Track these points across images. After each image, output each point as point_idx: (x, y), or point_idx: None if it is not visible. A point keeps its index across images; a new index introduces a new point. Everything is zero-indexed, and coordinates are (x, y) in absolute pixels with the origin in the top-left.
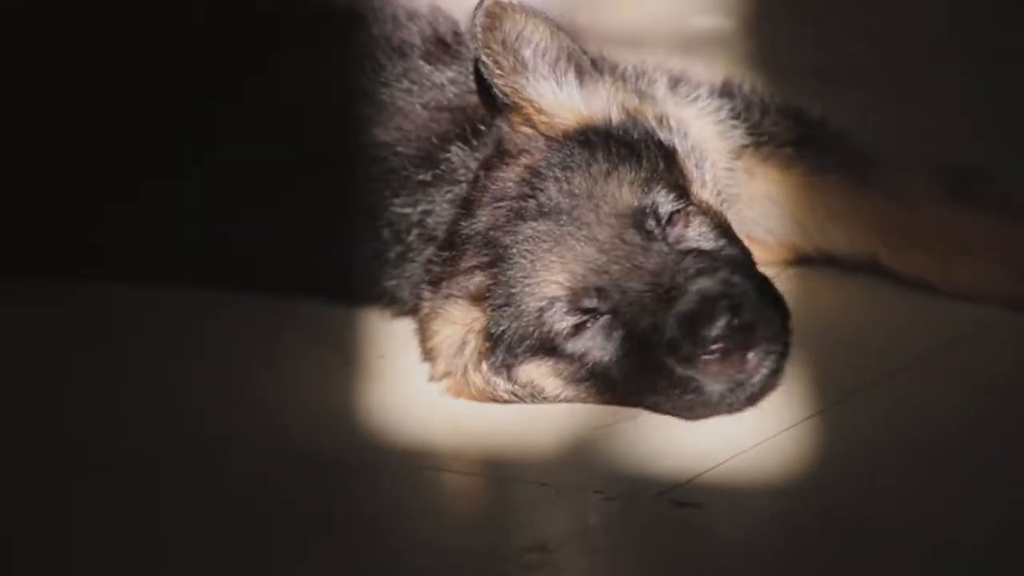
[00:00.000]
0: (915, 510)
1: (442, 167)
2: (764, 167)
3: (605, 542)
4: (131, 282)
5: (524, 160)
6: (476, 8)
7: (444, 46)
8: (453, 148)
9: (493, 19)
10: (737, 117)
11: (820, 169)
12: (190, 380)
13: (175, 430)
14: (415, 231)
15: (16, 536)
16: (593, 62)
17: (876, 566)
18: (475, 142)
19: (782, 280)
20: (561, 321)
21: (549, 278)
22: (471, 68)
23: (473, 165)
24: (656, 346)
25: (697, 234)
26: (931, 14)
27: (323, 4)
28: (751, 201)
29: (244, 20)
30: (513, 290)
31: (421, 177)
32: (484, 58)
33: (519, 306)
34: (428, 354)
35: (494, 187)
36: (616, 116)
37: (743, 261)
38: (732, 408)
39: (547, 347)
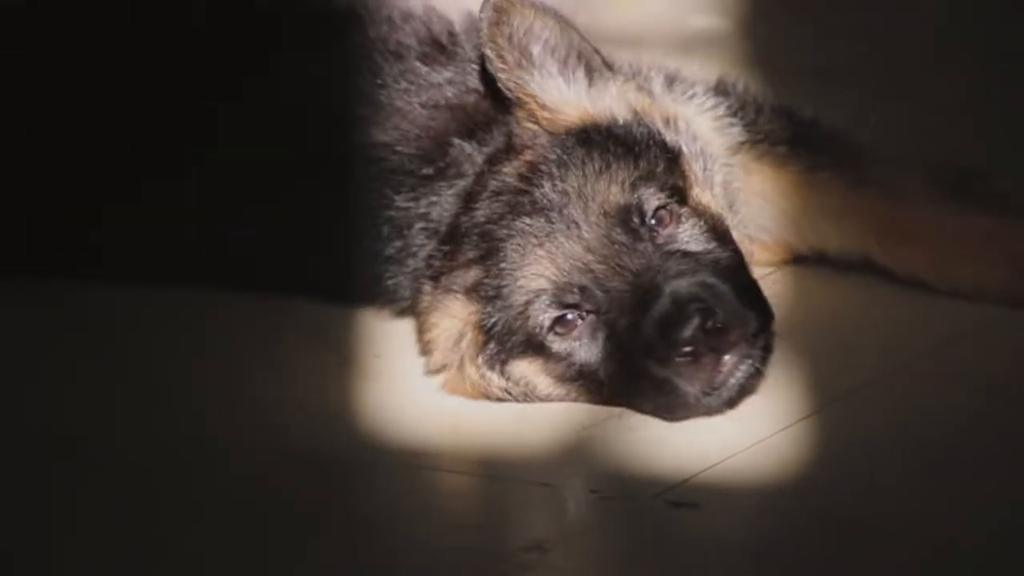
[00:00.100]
0: (914, 509)
1: (446, 161)
2: (759, 165)
3: (602, 542)
4: (131, 282)
5: (526, 156)
6: (484, 2)
7: (439, 47)
8: (457, 143)
9: (500, 14)
10: (734, 115)
11: (814, 167)
12: (190, 380)
13: (175, 430)
14: (418, 225)
15: (16, 536)
16: (605, 61)
17: (875, 566)
18: (482, 136)
19: (776, 281)
20: (543, 314)
21: (536, 273)
22: (471, 66)
23: (479, 159)
24: (634, 347)
25: (687, 236)
26: (931, 14)
27: (322, 4)
28: (746, 199)
29: (244, 20)
30: (503, 283)
31: (425, 171)
32: (488, 52)
33: (507, 299)
34: (426, 346)
35: (495, 181)
36: (621, 115)
37: (729, 264)
38: (709, 411)
39: (535, 343)
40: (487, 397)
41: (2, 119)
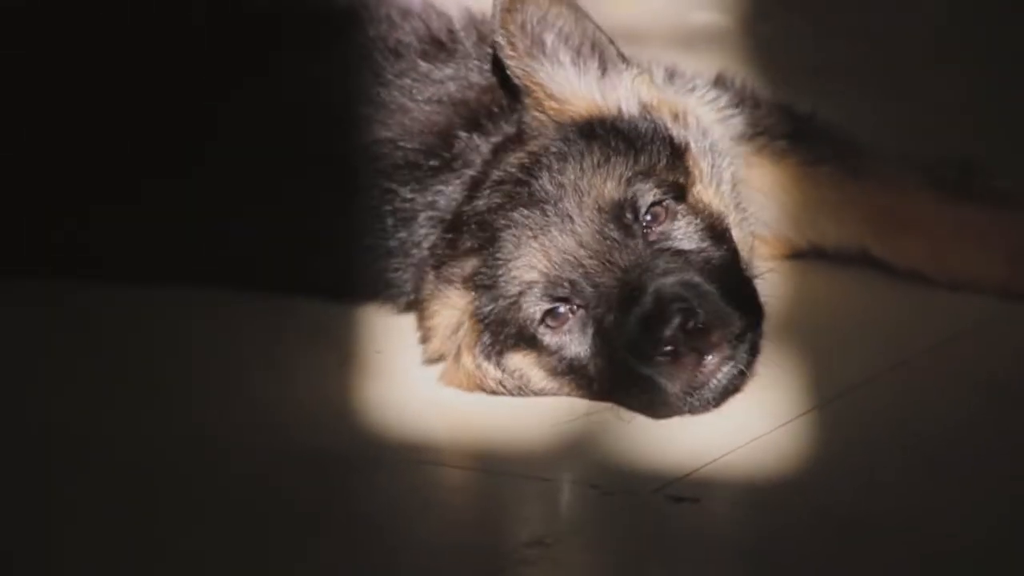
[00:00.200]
0: (914, 505)
1: (452, 153)
2: (758, 158)
3: (603, 537)
4: (131, 282)
5: (531, 146)
6: None
7: (439, 44)
8: (463, 136)
9: (514, 1)
10: (735, 107)
11: (814, 161)
12: (190, 380)
13: (175, 430)
14: (425, 214)
15: (16, 536)
16: (620, 52)
17: (875, 562)
18: (489, 127)
19: (774, 278)
20: (535, 307)
21: (529, 264)
22: (472, 62)
23: (486, 149)
24: (619, 344)
25: (681, 234)
26: (931, 14)
27: (322, 4)
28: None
29: (244, 20)
30: (498, 273)
31: (431, 163)
32: (499, 39)
33: (501, 290)
34: (425, 334)
35: (498, 171)
36: (629, 109)
37: (720, 264)
38: (692, 410)
39: (527, 336)
40: (482, 389)
41: (2, 119)
